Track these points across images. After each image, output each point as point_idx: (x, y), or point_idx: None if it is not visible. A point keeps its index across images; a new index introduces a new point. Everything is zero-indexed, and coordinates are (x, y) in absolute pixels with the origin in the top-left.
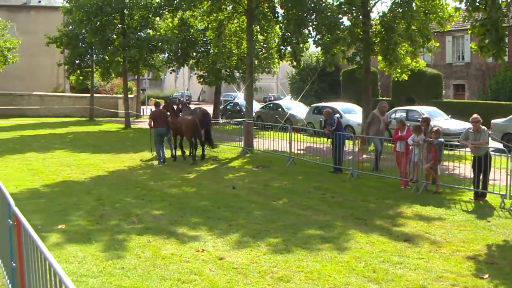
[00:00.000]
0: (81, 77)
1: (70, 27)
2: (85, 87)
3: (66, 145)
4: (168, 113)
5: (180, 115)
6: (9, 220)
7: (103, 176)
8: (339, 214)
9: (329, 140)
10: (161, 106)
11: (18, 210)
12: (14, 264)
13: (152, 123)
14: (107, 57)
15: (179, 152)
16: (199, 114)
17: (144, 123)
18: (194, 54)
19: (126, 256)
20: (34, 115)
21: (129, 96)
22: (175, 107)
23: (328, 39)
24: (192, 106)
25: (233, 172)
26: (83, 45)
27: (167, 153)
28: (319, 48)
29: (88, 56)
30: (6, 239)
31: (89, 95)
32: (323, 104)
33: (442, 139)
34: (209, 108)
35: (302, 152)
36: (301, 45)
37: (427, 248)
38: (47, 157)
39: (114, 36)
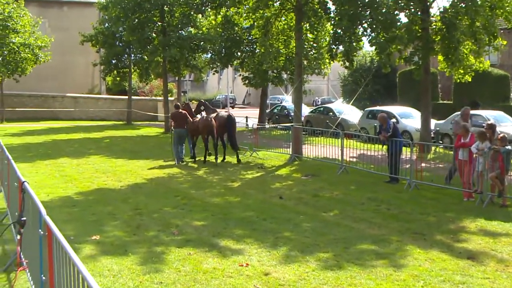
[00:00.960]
0: (118, 78)
1: (106, 24)
2: (122, 88)
3: (101, 150)
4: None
5: (199, 116)
6: (40, 230)
7: (140, 183)
8: (395, 228)
9: (385, 147)
10: (180, 108)
11: (49, 219)
12: (44, 278)
13: (173, 123)
14: (145, 57)
15: (210, 158)
16: (223, 117)
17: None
18: (239, 54)
19: (164, 270)
20: (67, 118)
21: (169, 98)
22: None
23: (383, 38)
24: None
25: (280, 180)
26: (120, 44)
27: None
28: (374, 47)
29: (126, 55)
30: (36, 250)
31: (126, 97)
32: (378, 108)
33: (509, 147)
34: (255, 112)
35: (354, 160)
36: (354, 44)
37: (493, 267)
38: (81, 163)
39: (154, 35)
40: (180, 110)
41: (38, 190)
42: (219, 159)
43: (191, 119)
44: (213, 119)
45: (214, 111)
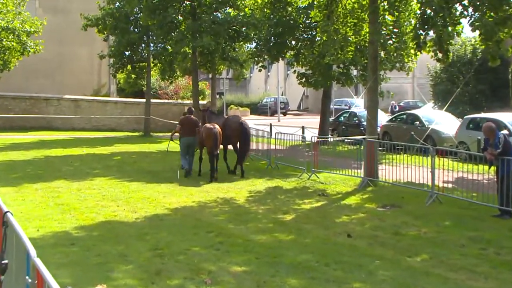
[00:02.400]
0: (132, 75)
1: (117, 3)
2: (138, 89)
3: (110, 170)
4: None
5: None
6: (27, 277)
7: (162, 215)
8: (509, 280)
9: (492, 168)
10: (192, 114)
11: (40, 262)
12: None
13: (180, 131)
14: (169, 48)
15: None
16: (235, 123)
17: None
18: (293, 43)
19: None
20: (65, 128)
21: (201, 102)
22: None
23: (490, 19)
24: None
25: (348, 212)
26: (136, 30)
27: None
28: (477, 32)
29: (143, 45)
30: None
31: (144, 100)
32: (482, 115)
33: None
34: (314, 121)
35: (450, 185)
36: (449, 28)
37: None
38: (83, 187)
39: (180, 18)
40: (192, 116)
41: (25, 223)
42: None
43: (199, 129)
44: (216, 127)
45: (222, 118)
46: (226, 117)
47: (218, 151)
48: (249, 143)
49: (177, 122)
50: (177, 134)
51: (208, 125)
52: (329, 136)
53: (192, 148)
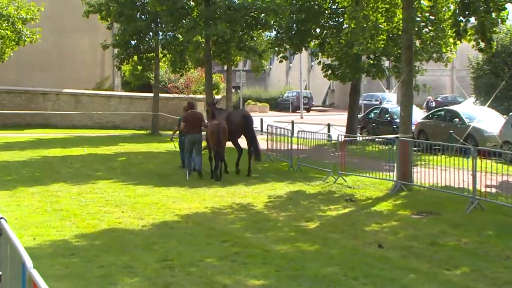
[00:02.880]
0: (139, 67)
1: None
2: (145, 82)
3: (114, 173)
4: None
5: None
6: None
7: (171, 222)
8: None
9: None
10: (195, 107)
11: (37, 274)
12: None
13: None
14: (180, 36)
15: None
16: (238, 117)
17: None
18: (318, 31)
19: None
20: (64, 125)
21: (215, 97)
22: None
23: None
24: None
25: (379, 220)
26: (143, 17)
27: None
28: None
29: (151, 34)
30: None
31: (151, 95)
32: None
33: None
34: (341, 118)
35: (494, 190)
36: (493, 14)
37: None
38: (84, 191)
39: (192, 3)
40: (196, 111)
41: (20, 231)
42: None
43: (205, 123)
44: (222, 123)
45: (226, 113)
46: (229, 111)
47: (223, 150)
48: (255, 137)
49: (179, 119)
50: (178, 133)
51: (214, 121)
52: (358, 134)
53: (199, 146)
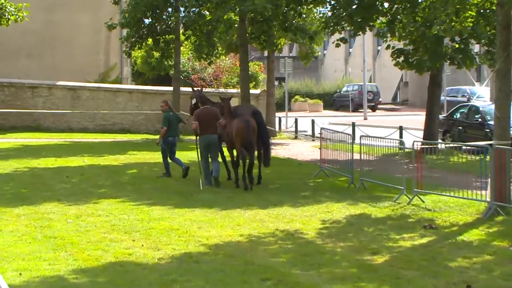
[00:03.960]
0: (155, 53)
1: None
2: (162, 72)
3: (123, 190)
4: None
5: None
6: None
7: (196, 254)
8: None
9: None
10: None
11: None
12: None
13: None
14: (207, 13)
15: None
16: (246, 114)
17: (283, 148)
18: (386, 5)
19: None
20: (58, 128)
21: (253, 91)
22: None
23: None
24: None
25: (468, 253)
26: None
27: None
28: None
29: (170, 10)
30: None
31: (170, 89)
32: None
33: None
34: (417, 119)
35: None
36: None
37: None
38: (83, 213)
39: None
40: (209, 107)
41: (2, 263)
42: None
43: (222, 122)
44: (250, 120)
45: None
46: (234, 107)
47: (253, 152)
48: (268, 137)
49: (164, 118)
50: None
51: (238, 117)
52: (439, 141)
53: (216, 150)
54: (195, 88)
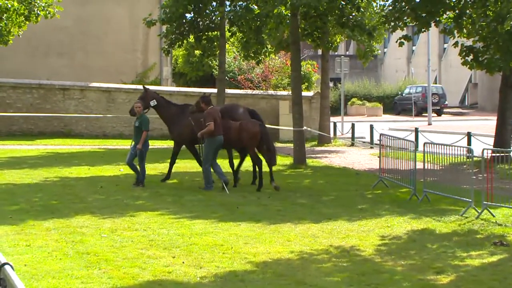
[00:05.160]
0: (197, 52)
1: None
2: (206, 73)
3: (162, 201)
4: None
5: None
6: None
7: (242, 273)
8: None
9: None
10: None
11: None
12: None
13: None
14: (255, 7)
15: None
16: (242, 114)
17: (338, 156)
18: None
19: None
20: (92, 133)
21: (305, 94)
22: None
23: None
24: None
25: None
26: None
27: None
28: None
29: (215, 4)
30: None
31: (215, 90)
32: None
33: None
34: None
35: None
36: None
37: None
38: (119, 226)
39: None
40: (214, 107)
41: (31, 281)
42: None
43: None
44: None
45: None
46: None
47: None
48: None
49: (134, 120)
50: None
51: (247, 120)
52: None
53: (218, 150)
54: (146, 87)
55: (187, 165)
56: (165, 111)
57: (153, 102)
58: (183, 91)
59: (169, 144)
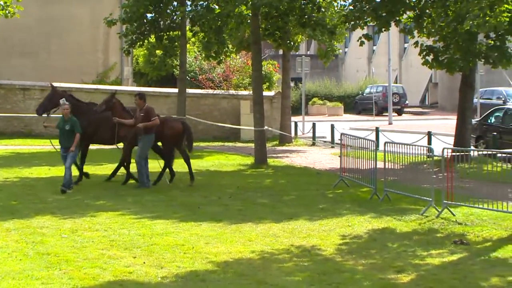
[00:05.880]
0: (158, 52)
1: None
2: (167, 73)
3: (122, 201)
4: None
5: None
6: None
7: (203, 272)
8: None
9: None
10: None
11: None
12: None
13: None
14: (216, 7)
15: None
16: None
17: (299, 155)
18: None
19: None
20: (52, 133)
21: (266, 93)
22: None
23: None
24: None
25: (503, 271)
26: None
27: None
28: None
29: (176, 3)
30: None
31: (175, 90)
32: None
33: None
34: (448, 123)
35: None
36: None
37: None
38: (80, 227)
39: None
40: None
41: None
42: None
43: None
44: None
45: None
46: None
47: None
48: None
49: (133, 116)
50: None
51: (169, 118)
52: (472, 148)
53: None
54: (53, 84)
55: (150, 165)
56: (74, 109)
57: (62, 101)
58: (144, 90)
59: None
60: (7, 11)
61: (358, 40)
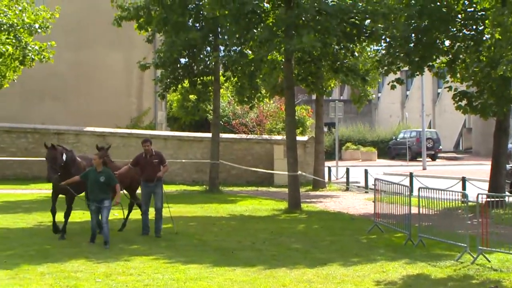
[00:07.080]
0: (192, 96)
1: None
2: (201, 117)
3: (156, 246)
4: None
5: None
6: None
7: None
8: None
9: None
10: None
11: None
12: None
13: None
14: (250, 52)
15: None
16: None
17: (333, 200)
18: (447, 43)
19: None
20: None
21: (299, 138)
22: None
23: None
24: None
25: None
26: (198, 25)
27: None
28: None
29: (209, 49)
30: None
31: (209, 135)
32: None
33: None
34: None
35: None
36: None
37: None
38: (113, 271)
39: (267, 5)
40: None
41: None
42: None
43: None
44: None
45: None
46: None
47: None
48: None
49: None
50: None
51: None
52: (507, 193)
53: None
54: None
55: (181, 209)
56: (74, 164)
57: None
58: (177, 135)
59: (165, 188)
60: (42, 56)
61: (388, 84)
